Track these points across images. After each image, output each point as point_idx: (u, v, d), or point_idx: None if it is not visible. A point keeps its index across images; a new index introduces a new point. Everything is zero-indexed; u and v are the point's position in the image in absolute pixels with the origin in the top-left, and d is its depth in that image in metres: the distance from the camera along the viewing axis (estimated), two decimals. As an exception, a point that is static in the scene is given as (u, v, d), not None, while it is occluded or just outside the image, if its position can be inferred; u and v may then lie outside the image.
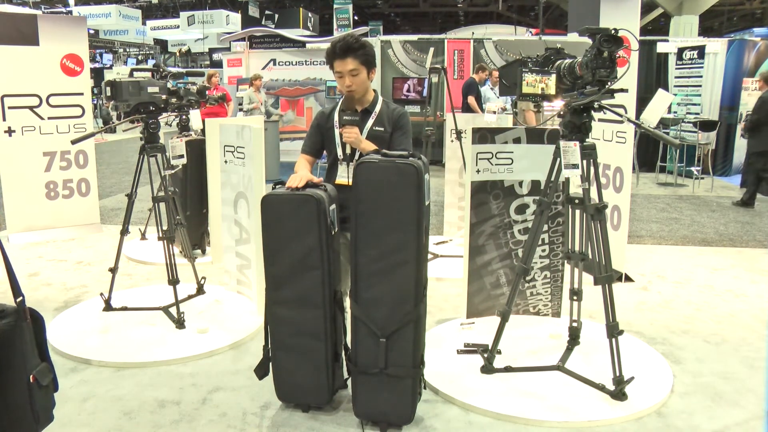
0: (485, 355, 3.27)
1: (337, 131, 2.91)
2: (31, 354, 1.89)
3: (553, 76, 3.07)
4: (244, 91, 10.67)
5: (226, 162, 4.31)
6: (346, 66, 2.77)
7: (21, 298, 1.90)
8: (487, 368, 3.22)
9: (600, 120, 4.01)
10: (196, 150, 5.02)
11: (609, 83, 2.85)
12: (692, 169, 9.34)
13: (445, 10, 27.01)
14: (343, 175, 2.85)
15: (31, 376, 1.86)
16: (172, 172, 4.31)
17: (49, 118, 5.97)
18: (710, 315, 4.20)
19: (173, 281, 3.92)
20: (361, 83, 2.83)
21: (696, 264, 5.38)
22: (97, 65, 25.88)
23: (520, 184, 3.69)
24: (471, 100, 9.56)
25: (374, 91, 2.96)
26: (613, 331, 2.98)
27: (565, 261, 3.57)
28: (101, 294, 4.14)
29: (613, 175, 4.73)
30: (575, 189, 3.17)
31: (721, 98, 10.26)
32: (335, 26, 19.99)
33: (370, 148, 2.77)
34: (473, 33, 12.23)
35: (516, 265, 3.58)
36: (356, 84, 2.81)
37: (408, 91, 8.53)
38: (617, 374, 2.98)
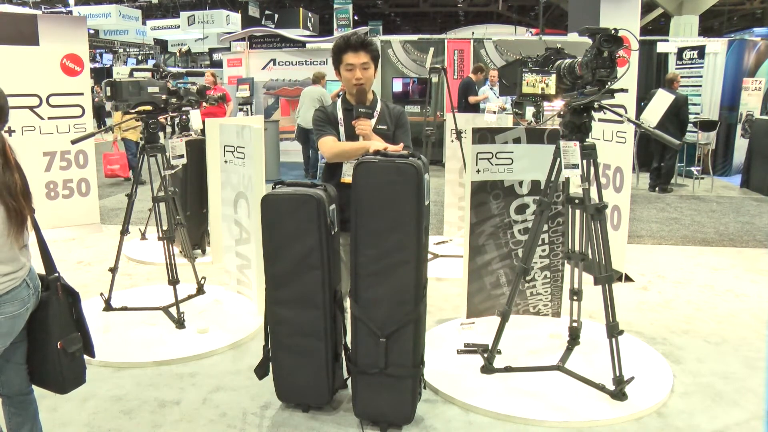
0: (485, 355, 3.27)
1: (342, 129, 2.92)
2: (63, 324, 2.13)
3: (553, 76, 3.07)
4: (244, 90, 10.62)
5: (226, 162, 4.31)
6: (360, 59, 2.82)
7: (55, 275, 2.13)
8: (487, 368, 3.22)
9: (600, 120, 4.01)
10: (196, 150, 5.02)
11: (609, 83, 2.85)
12: (692, 169, 9.34)
13: (445, 10, 27.00)
14: (349, 173, 2.85)
15: (59, 343, 2.09)
16: (172, 172, 4.31)
17: (49, 118, 5.97)
18: (710, 315, 4.20)
19: (173, 281, 3.92)
20: (369, 78, 2.88)
21: (696, 264, 5.38)
22: (97, 65, 25.87)
23: (520, 184, 3.68)
24: (472, 99, 9.56)
25: (373, 91, 2.99)
26: (613, 331, 2.98)
27: (565, 261, 3.57)
28: (101, 294, 4.14)
29: (613, 175, 4.73)
30: (575, 189, 3.17)
31: (721, 98, 10.25)
32: (335, 26, 19.99)
33: (380, 143, 2.78)
34: (473, 33, 12.23)
35: (516, 265, 3.58)
36: (365, 78, 2.85)
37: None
38: (617, 374, 2.98)
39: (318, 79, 9.70)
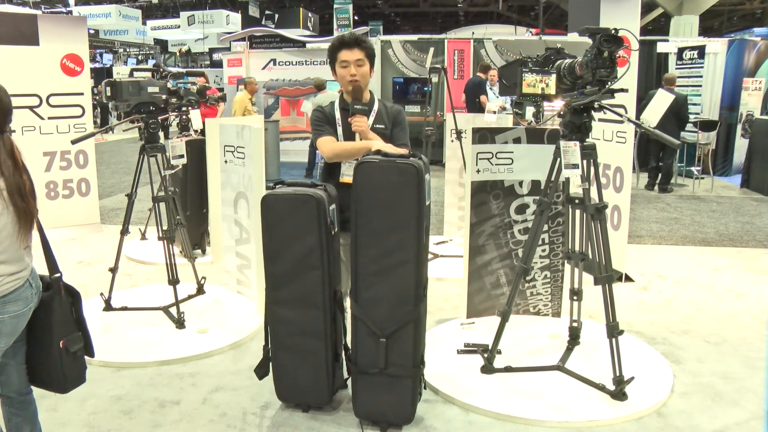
0: (485, 355, 3.27)
1: (340, 129, 2.92)
2: (65, 324, 2.15)
3: (553, 76, 3.07)
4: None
5: (226, 162, 4.31)
6: (354, 55, 2.83)
7: (58, 275, 2.15)
8: (487, 368, 3.22)
9: (600, 120, 4.01)
10: (196, 150, 5.02)
11: (609, 83, 2.85)
12: (692, 169, 9.34)
13: (445, 10, 26.98)
14: (348, 173, 2.85)
15: (61, 342, 2.12)
16: (172, 172, 4.31)
17: (49, 118, 5.97)
18: (710, 315, 4.20)
19: (173, 281, 3.92)
20: (364, 75, 2.88)
21: (696, 264, 5.38)
22: (97, 65, 25.86)
23: (520, 184, 3.68)
24: (484, 99, 9.54)
25: (370, 91, 2.99)
26: (613, 331, 2.98)
27: (565, 261, 3.57)
28: (101, 294, 4.14)
29: (613, 175, 4.73)
30: (575, 189, 3.17)
31: (721, 98, 10.25)
32: (335, 26, 19.97)
33: (377, 140, 2.78)
34: (473, 33, 12.23)
35: (516, 265, 3.58)
36: (360, 74, 2.86)
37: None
38: (617, 374, 2.98)
39: (322, 86, 9.68)
